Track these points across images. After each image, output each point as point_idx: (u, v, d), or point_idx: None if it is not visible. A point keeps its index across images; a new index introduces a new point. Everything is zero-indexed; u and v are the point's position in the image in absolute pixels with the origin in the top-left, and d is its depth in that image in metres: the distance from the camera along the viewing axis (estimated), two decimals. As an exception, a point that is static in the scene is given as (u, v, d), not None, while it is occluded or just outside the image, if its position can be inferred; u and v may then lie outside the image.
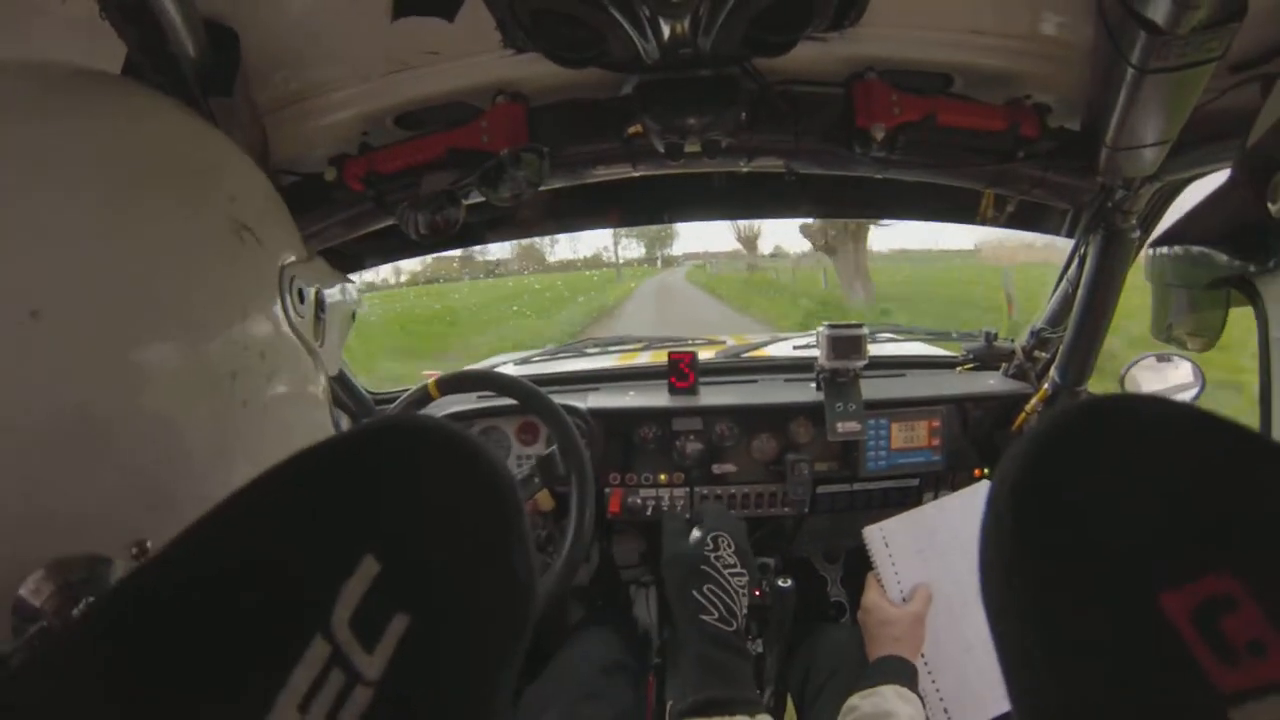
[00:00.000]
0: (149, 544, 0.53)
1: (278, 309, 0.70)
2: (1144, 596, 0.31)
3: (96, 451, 0.51)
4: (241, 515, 0.32)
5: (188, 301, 0.59)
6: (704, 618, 0.91)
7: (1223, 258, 0.90)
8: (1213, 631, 0.29)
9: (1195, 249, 0.94)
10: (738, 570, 0.97)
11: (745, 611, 0.96)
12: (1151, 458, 0.34)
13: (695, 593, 0.93)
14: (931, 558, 1.24)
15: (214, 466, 0.59)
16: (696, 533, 1.02)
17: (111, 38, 0.71)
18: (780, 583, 1.43)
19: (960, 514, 1.27)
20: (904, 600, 1.20)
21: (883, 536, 1.27)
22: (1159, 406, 0.36)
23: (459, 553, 0.37)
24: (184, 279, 0.58)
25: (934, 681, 1.14)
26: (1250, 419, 0.86)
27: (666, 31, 0.88)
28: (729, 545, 0.99)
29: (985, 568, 0.39)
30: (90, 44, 0.69)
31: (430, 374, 1.39)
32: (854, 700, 1.00)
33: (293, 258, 0.74)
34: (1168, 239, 1.00)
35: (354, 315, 0.97)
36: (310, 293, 0.76)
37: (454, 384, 1.41)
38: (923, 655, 1.15)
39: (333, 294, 0.84)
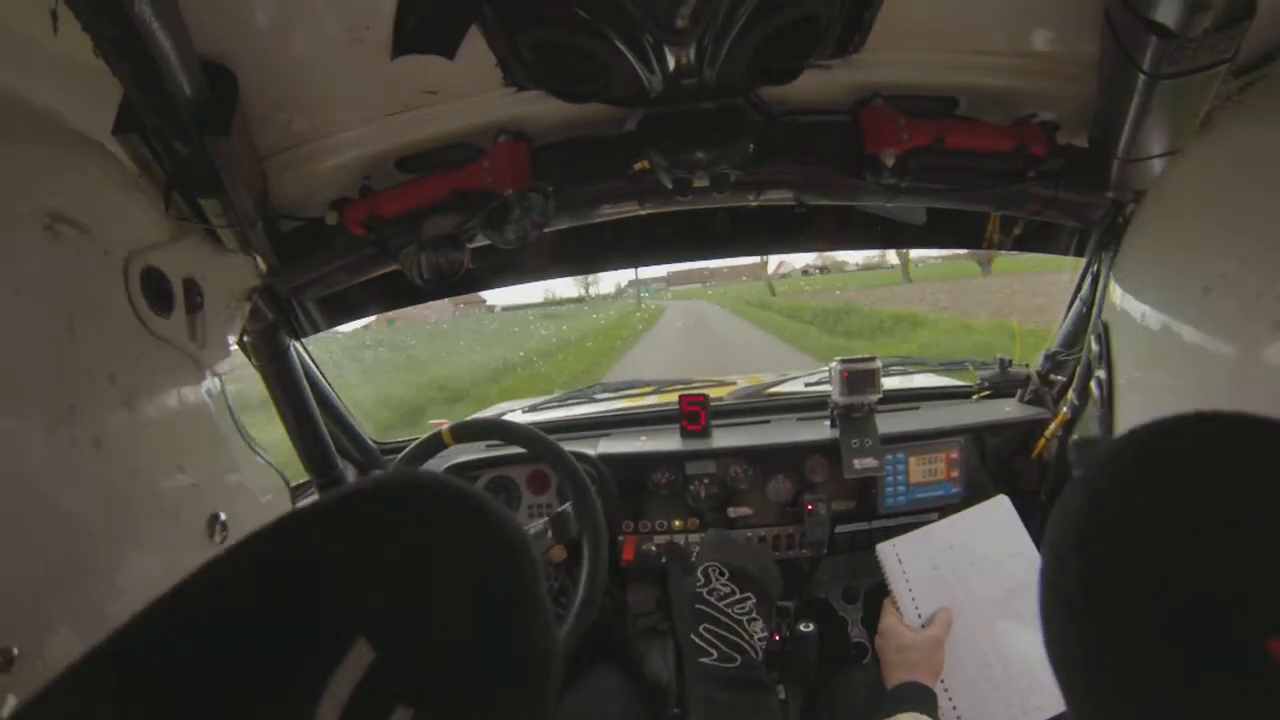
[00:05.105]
0: (15, 650, 0.44)
1: (126, 311, 0.58)
2: (1249, 643, 0.28)
3: None
4: (200, 598, 0.27)
5: None
6: (703, 660, 0.88)
7: None
8: None
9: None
10: (736, 598, 0.93)
11: (757, 637, 0.92)
12: (1216, 486, 0.32)
13: (694, 636, 0.90)
14: (947, 574, 1.20)
15: (78, 533, 0.47)
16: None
17: (107, 74, 0.69)
18: (801, 628, 1.36)
19: (976, 529, 1.24)
20: (920, 619, 1.15)
21: (896, 553, 1.23)
22: (1210, 426, 0.34)
23: (468, 628, 0.32)
24: None
25: (951, 700, 1.09)
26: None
27: (671, 62, 0.88)
28: (721, 574, 0.95)
29: (1049, 617, 0.36)
30: (85, 80, 0.67)
31: (438, 422, 1.34)
32: None
33: (148, 239, 0.61)
34: None
35: (252, 293, 0.82)
36: (176, 283, 0.63)
37: (469, 432, 1.36)
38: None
39: (210, 276, 0.69)
